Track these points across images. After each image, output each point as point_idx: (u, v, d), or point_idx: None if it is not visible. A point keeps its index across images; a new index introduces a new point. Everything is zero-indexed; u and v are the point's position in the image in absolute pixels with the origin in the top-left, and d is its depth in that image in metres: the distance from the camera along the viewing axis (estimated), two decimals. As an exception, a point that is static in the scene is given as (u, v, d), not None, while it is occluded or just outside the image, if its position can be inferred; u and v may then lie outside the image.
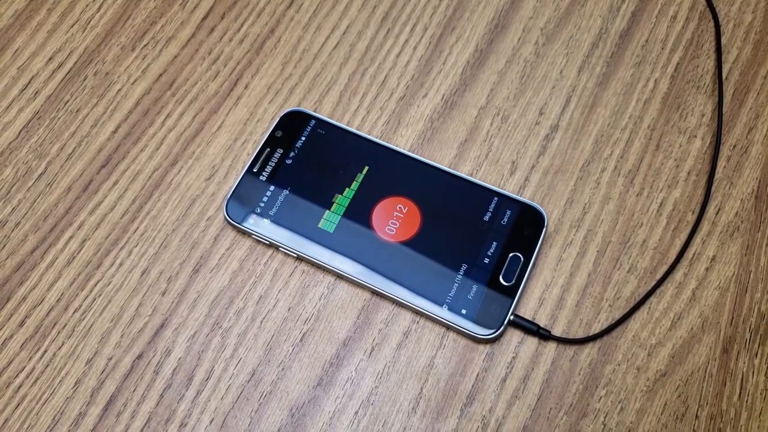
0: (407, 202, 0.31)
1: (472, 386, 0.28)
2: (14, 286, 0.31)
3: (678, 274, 0.30)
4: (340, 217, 0.31)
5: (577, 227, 0.31)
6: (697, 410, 0.28)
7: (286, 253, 0.31)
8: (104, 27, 0.36)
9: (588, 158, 0.33)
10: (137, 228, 0.32)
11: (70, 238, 0.32)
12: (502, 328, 0.29)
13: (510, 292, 0.29)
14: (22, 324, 0.30)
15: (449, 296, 0.29)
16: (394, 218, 0.31)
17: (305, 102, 0.34)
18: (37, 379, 0.29)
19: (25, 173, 0.33)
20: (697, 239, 0.31)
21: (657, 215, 0.31)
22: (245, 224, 0.31)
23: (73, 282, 0.31)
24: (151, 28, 0.36)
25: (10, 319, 0.30)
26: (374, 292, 0.30)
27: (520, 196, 0.32)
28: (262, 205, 0.31)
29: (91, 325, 0.30)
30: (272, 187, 0.32)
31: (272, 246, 0.31)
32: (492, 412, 0.28)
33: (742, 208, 0.31)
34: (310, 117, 0.33)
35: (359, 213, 0.31)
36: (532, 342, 0.29)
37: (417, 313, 0.30)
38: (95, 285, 0.31)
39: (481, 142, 0.33)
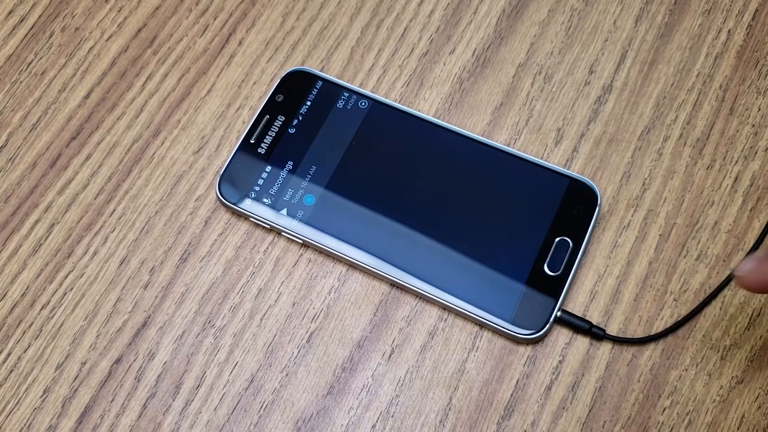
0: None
1: (511, 395, 0.27)
2: (-28, 279, 0.30)
3: (757, 263, 0.29)
4: (353, 195, 0.30)
5: (636, 207, 0.30)
6: (782, 424, 0.27)
7: (289, 239, 0.30)
8: (73, -26, 0.35)
9: (648, 125, 0.31)
10: (114, 210, 0.31)
11: (36, 222, 0.31)
12: (547, 326, 0.28)
13: (556, 284, 0.28)
14: (-19, 322, 0.29)
15: (484, 288, 0.28)
16: (418, 197, 0.30)
17: (310, 60, 0.33)
18: None
19: (-17, 146, 0.32)
20: (781, 220, 0.29)
21: (731, 192, 0.30)
22: (241, 205, 0.30)
23: (40, 273, 0.30)
24: (127, -26, 0.35)
25: (-33, 316, 0.29)
26: (394, 284, 0.29)
27: (568, 169, 0.30)
28: (261, 182, 0.30)
29: (62, 324, 0.29)
30: (273, 161, 0.30)
31: (273, 230, 0.30)
32: (535, 425, 0.27)
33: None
34: (316, 78, 0.32)
35: (375, 191, 0.30)
36: (582, 342, 0.28)
37: (444, 308, 0.29)
38: (66, 277, 0.30)
39: (520, 106, 0.32)
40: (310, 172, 0.30)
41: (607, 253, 0.29)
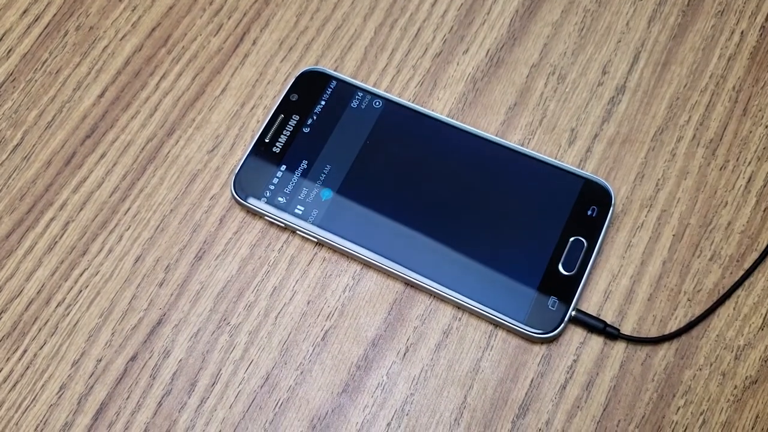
0: (447, 176, 0.30)
1: (526, 394, 0.28)
2: (-13, 276, 0.30)
3: (771, 263, 0.29)
4: (368, 194, 0.30)
5: (650, 207, 0.30)
6: (795, 424, 0.27)
7: (304, 238, 0.30)
8: (87, -27, 0.35)
9: (661, 125, 0.32)
10: (129, 208, 0.31)
11: (51, 219, 0.31)
12: (561, 325, 0.28)
13: (571, 284, 0.28)
14: (-3, 319, 0.30)
15: (498, 287, 0.28)
16: (432, 196, 0.30)
17: (324, 60, 0.34)
18: (16, 383, 0.29)
19: (-2, 144, 0.32)
20: (794, 221, 0.30)
21: (745, 193, 0.30)
22: (256, 203, 0.30)
23: (56, 271, 0.30)
24: (141, -26, 0.35)
25: (-17, 313, 0.30)
26: (408, 283, 0.29)
27: (582, 169, 0.31)
28: (276, 181, 0.31)
29: (77, 322, 0.29)
30: (287, 161, 0.31)
31: (288, 229, 0.30)
32: (549, 424, 0.27)
33: None
34: (330, 77, 0.33)
35: (390, 190, 0.30)
36: (596, 342, 0.28)
37: (459, 307, 0.29)
38: (81, 275, 0.30)
39: (534, 106, 0.32)
40: (325, 172, 0.31)
41: (621, 253, 0.30)
